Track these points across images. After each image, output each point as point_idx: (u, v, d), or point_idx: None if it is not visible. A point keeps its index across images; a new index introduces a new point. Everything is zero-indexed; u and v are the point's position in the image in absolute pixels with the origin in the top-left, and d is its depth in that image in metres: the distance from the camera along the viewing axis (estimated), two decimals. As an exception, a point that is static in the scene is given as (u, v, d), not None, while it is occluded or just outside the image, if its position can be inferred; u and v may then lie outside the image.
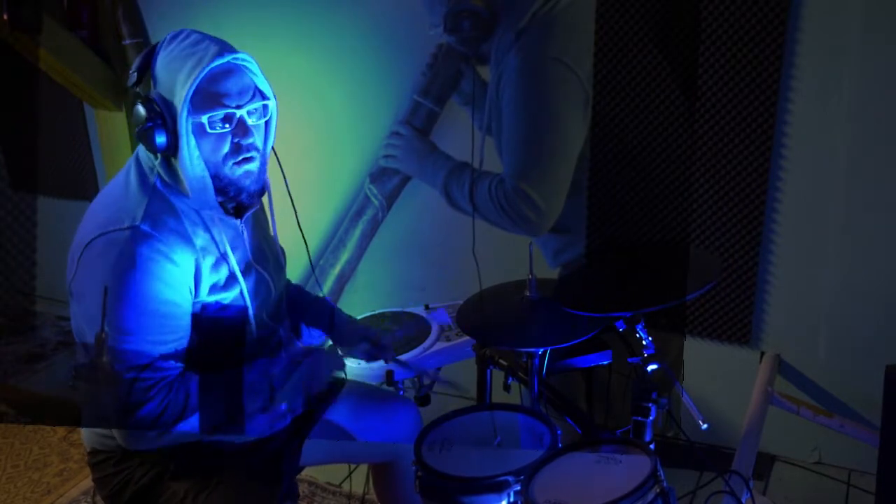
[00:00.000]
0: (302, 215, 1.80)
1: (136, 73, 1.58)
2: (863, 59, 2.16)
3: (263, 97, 1.59)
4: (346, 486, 2.59)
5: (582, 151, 1.91)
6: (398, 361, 1.98)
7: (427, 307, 2.32)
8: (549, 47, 1.83)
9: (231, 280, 1.65)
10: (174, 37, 1.55)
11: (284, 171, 1.70)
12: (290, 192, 1.72)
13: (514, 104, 1.86)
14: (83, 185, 3.61)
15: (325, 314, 1.93)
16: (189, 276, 1.57)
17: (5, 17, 2.49)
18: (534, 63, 1.84)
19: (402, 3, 2.48)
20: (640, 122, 2.25)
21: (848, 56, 2.17)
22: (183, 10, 2.86)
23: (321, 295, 2.00)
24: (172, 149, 1.54)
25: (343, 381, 1.93)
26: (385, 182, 2.43)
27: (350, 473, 2.60)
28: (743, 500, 1.76)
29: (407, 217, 2.71)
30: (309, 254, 1.87)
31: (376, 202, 2.46)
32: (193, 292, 1.60)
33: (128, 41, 2.90)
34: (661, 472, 1.36)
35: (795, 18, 2.19)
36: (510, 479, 1.41)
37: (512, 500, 1.41)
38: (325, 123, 2.89)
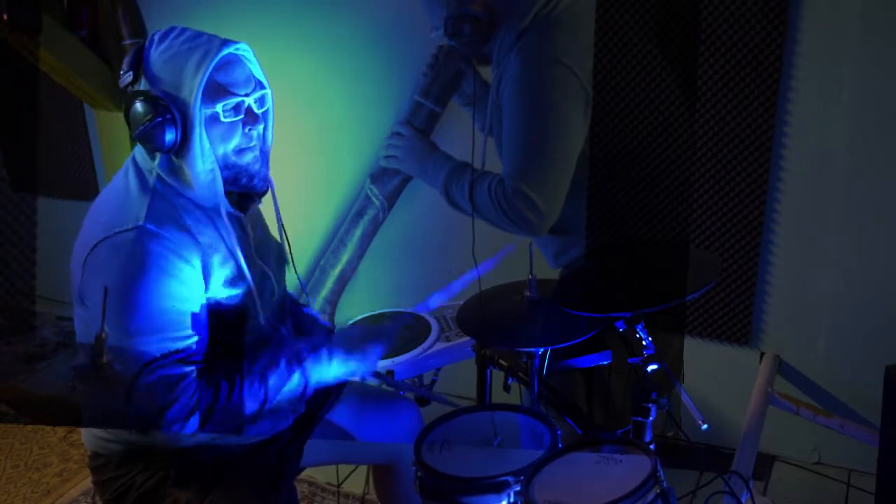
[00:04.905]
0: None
1: (131, 73, 1.56)
2: (863, 59, 2.16)
3: (262, 86, 1.60)
4: (346, 487, 2.59)
5: (582, 151, 1.91)
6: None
7: (427, 307, 2.33)
8: (550, 48, 1.83)
9: (237, 277, 1.64)
10: (166, 34, 1.54)
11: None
12: (276, 197, 1.72)
13: (515, 105, 1.86)
14: (83, 185, 3.61)
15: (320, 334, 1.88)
16: (199, 273, 1.56)
17: (5, 17, 2.48)
18: (534, 64, 1.83)
19: (403, 4, 2.48)
20: (640, 122, 2.25)
21: (848, 56, 2.17)
22: (183, 10, 2.86)
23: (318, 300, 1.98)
24: (181, 144, 1.52)
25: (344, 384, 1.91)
26: (386, 182, 2.43)
27: (350, 473, 2.60)
28: (743, 501, 1.76)
29: (408, 217, 2.71)
30: (294, 264, 1.85)
31: (377, 202, 2.46)
32: (205, 288, 1.59)
33: (128, 41, 2.90)
34: (661, 473, 1.36)
35: (795, 18, 2.19)
36: (510, 479, 1.41)
37: (512, 500, 1.41)
38: (325, 124, 2.90)
